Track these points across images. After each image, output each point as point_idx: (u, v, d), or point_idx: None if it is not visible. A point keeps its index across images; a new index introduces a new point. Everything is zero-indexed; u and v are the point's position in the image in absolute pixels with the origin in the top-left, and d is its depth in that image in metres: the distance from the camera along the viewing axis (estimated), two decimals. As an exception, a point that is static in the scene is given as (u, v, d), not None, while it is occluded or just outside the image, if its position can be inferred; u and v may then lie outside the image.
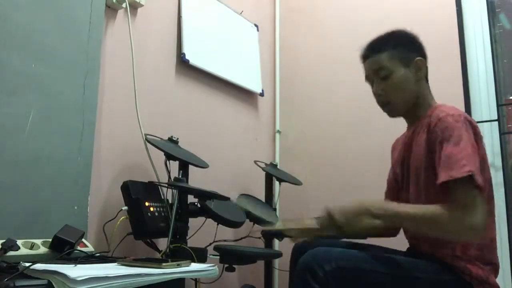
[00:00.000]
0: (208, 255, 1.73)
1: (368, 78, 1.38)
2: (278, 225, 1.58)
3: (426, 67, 1.36)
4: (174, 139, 1.82)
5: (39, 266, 0.93)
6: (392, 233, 1.46)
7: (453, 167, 1.11)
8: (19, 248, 1.10)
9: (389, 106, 1.35)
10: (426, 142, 1.24)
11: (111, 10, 1.82)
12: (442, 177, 1.13)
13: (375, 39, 1.38)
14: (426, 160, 1.24)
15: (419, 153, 1.28)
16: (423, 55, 1.36)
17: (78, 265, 1.02)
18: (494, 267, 1.22)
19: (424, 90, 1.35)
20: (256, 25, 2.70)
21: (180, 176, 1.69)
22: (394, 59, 1.32)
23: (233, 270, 1.78)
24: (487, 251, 1.21)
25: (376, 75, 1.34)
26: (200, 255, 1.57)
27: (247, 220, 1.94)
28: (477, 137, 1.20)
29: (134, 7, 1.92)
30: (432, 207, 1.12)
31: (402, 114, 1.38)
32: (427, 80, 1.38)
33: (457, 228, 1.09)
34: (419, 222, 1.15)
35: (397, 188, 1.43)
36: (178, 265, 1.12)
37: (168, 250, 1.51)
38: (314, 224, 1.24)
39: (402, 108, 1.35)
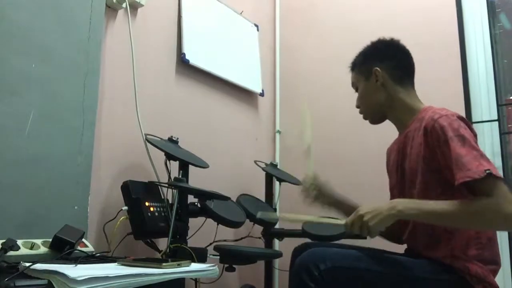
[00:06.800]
0: (208, 255, 1.73)
1: None
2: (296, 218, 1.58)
3: (395, 72, 1.40)
4: (174, 139, 1.82)
5: (39, 266, 0.93)
6: (398, 238, 1.45)
7: (470, 167, 1.11)
8: (19, 248, 1.10)
9: (364, 116, 1.48)
10: (424, 145, 1.23)
11: (111, 10, 1.82)
12: (460, 178, 1.11)
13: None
14: (424, 163, 1.24)
15: (415, 157, 1.27)
16: (392, 58, 1.41)
17: (78, 265, 1.02)
18: (495, 267, 1.22)
19: (398, 93, 1.39)
20: (256, 25, 2.70)
21: (180, 176, 1.69)
22: (359, 74, 1.46)
23: (233, 270, 1.78)
24: (488, 251, 1.21)
25: (354, 89, 1.50)
26: (200, 255, 1.57)
27: (247, 220, 1.95)
28: (473, 135, 1.21)
29: (134, 7, 1.92)
30: (472, 202, 1.12)
31: (378, 120, 1.47)
32: (402, 84, 1.40)
33: (505, 216, 1.08)
34: (460, 217, 1.13)
35: (393, 195, 1.44)
36: (178, 265, 1.12)
37: (168, 250, 1.50)
38: (340, 221, 1.25)
39: (373, 116, 1.46)
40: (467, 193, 1.14)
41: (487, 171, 1.09)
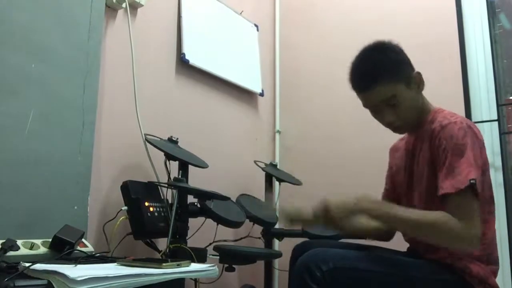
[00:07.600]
0: (208, 255, 1.73)
1: (369, 107, 1.34)
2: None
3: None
4: (174, 139, 1.82)
5: (39, 266, 0.93)
6: (386, 237, 1.45)
7: (457, 178, 1.12)
8: (19, 248, 1.10)
9: (401, 129, 1.34)
10: (430, 149, 1.23)
11: (111, 10, 1.82)
12: (446, 188, 1.13)
13: (368, 68, 1.30)
14: (429, 167, 1.24)
15: (423, 160, 1.27)
16: (411, 64, 1.34)
17: (78, 265, 1.02)
18: (496, 268, 1.22)
19: (423, 98, 1.35)
20: (256, 25, 2.70)
21: (180, 176, 1.69)
22: (398, 83, 1.26)
23: (233, 270, 1.78)
24: (489, 252, 1.21)
25: (384, 104, 1.28)
26: (200, 255, 1.57)
27: (247, 220, 1.95)
28: (480, 143, 1.20)
29: (134, 7, 1.91)
30: (434, 215, 1.13)
31: None
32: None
33: (458, 238, 1.11)
34: (419, 227, 1.15)
35: (397, 194, 1.43)
36: (178, 265, 1.12)
37: (168, 250, 1.51)
38: (309, 215, 1.24)
39: (412, 126, 1.33)
40: (439, 203, 1.15)
41: (471, 181, 1.10)
